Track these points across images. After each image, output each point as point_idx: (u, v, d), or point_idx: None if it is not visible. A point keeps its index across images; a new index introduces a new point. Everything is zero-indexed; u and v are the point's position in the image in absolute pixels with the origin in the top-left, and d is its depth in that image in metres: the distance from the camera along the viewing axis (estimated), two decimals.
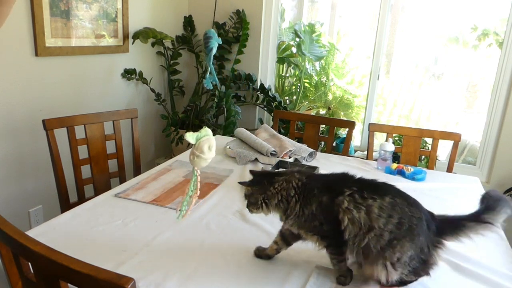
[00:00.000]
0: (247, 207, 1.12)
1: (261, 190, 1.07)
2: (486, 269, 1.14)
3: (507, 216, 1.03)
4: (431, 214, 1.04)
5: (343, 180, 1.05)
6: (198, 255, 1.13)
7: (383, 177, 1.85)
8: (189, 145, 3.07)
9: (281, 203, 1.05)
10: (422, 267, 1.00)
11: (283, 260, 1.13)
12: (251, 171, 1.16)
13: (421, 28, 3.43)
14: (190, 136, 1.07)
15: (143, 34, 2.76)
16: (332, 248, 1.04)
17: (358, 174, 1.07)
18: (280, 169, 1.13)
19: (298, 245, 1.19)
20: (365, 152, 2.77)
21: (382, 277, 0.98)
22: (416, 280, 1.03)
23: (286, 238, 1.11)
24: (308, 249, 1.15)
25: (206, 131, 1.10)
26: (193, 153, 1.08)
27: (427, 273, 1.02)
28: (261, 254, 1.14)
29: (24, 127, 2.20)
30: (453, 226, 1.02)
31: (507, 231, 1.52)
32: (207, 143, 1.08)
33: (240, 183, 1.12)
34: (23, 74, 2.14)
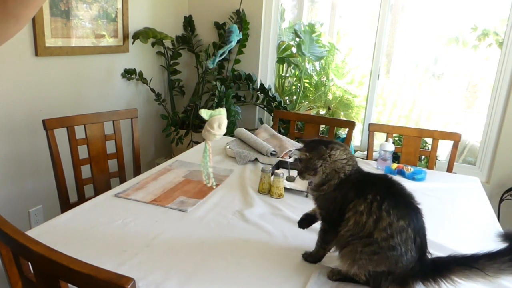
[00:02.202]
0: (301, 173, 1.09)
1: (318, 155, 1.07)
2: None
3: None
4: (426, 258, 1.00)
5: (376, 184, 1.04)
6: (198, 255, 1.13)
7: None
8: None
9: (330, 175, 1.06)
10: (376, 283, 1.00)
11: (283, 260, 1.13)
12: (301, 139, 1.17)
13: (421, 28, 3.43)
14: (204, 112, 1.17)
15: (143, 34, 2.76)
16: (326, 234, 1.09)
17: None
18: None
19: (299, 245, 1.19)
20: (365, 152, 2.77)
21: (343, 269, 1.02)
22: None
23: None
24: (308, 249, 1.15)
25: (220, 111, 1.19)
26: (205, 128, 1.18)
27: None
28: (313, 258, 1.14)
29: (24, 127, 2.20)
30: (443, 272, 0.96)
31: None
32: (217, 121, 1.17)
33: (297, 149, 1.13)
34: (23, 74, 2.14)
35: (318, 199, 1.10)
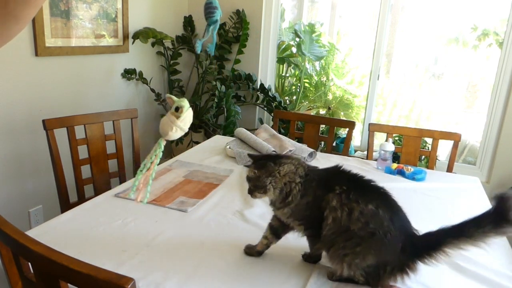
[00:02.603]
0: (251, 192, 1.08)
1: (267, 173, 1.05)
2: (486, 269, 1.14)
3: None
4: (415, 236, 1.01)
5: (337, 176, 1.06)
6: (198, 255, 1.13)
7: (383, 177, 1.86)
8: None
9: (285, 188, 1.04)
10: (376, 279, 1.00)
11: (283, 260, 1.13)
12: (250, 155, 1.14)
13: (421, 28, 3.43)
14: (178, 102, 1.01)
15: (143, 34, 2.76)
16: (314, 240, 1.07)
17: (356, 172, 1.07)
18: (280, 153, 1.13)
19: (298, 245, 1.19)
20: (365, 152, 2.77)
21: (336, 271, 1.02)
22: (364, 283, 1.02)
23: (276, 231, 1.12)
24: (308, 249, 1.15)
25: (185, 101, 1.03)
26: (176, 125, 0.99)
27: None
28: (251, 251, 1.14)
29: (24, 127, 2.20)
30: (435, 245, 0.97)
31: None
32: (190, 118, 1.02)
33: (246, 166, 1.11)
34: (23, 74, 2.14)
35: (293, 214, 1.06)
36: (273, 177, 1.04)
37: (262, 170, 1.05)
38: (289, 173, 1.05)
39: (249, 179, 1.08)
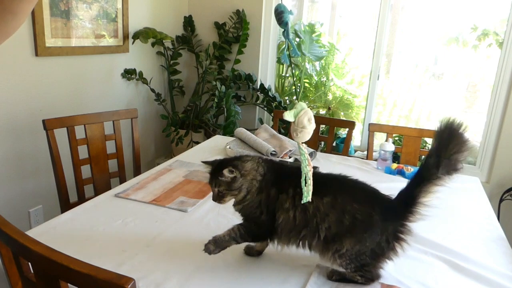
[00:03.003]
0: (221, 197, 1.06)
1: (239, 173, 1.04)
2: (486, 269, 1.14)
3: (464, 158, 0.94)
4: (390, 201, 1.03)
5: (291, 175, 1.04)
6: (198, 255, 1.13)
7: (383, 177, 1.86)
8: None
9: (250, 185, 1.05)
10: (375, 262, 1.01)
11: (283, 260, 1.13)
12: (204, 162, 1.13)
13: (421, 28, 3.43)
14: (288, 115, 1.05)
15: (143, 34, 2.76)
16: (248, 233, 1.06)
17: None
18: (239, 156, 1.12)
19: None
20: (365, 152, 2.77)
21: (334, 266, 1.03)
22: (363, 281, 1.02)
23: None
24: None
25: (302, 105, 1.08)
26: (294, 130, 1.05)
27: (378, 277, 1.03)
28: (251, 251, 1.15)
29: (24, 127, 2.20)
30: (411, 201, 0.99)
31: (507, 231, 1.52)
32: (306, 116, 1.06)
33: (213, 173, 1.07)
34: (23, 74, 2.14)
35: (244, 211, 1.08)
36: (243, 176, 1.05)
37: (237, 171, 1.04)
38: (252, 170, 1.06)
39: (221, 183, 1.05)
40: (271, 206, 1.04)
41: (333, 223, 0.99)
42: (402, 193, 1.02)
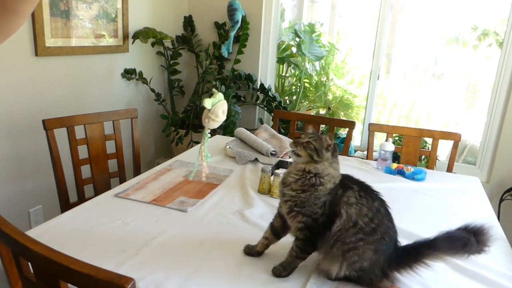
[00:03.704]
0: (297, 145, 1.05)
1: (327, 150, 1.05)
2: (486, 269, 1.14)
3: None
4: (397, 245, 1.05)
5: (349, 179, 1.09)
6: (198, 255, 1.13)
7: (383, 177, 1.86)
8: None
9: (327, 175, 1.04)
10: (362, 279, 1.02)
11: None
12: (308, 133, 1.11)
13: (421, 28, 3.43)
14: (207, 102, 1.12)
15: (143, 34, 2.76)
16: (306, 243, 1.05)
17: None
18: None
19: None
20: (365, 152, 2.77)
21: (333, 272, 1.03)
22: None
23: (277, 231, 1.13)
24: None
25: (220, 96, 1.14)
26: (208, 117, 1.12)
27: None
28: (251, 251, 1.14)
29: (24, 127, 2.20)
30: (412, 257, 1.01)
31: (507, 231, 1.52)
32: (221, 108, 1.13)
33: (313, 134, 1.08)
34: (23, 74, 2.14)
35: (301, 205, 1.03)
36: (332, 166, 1.05)
37: (333, 156, 1.06)
38: (335, 169, 1.07)
39: (317, 138, 1.04)
40: (334, 205, 1.03)
41: (372, 229, 1.00)
42: (411, 245, 1.04)
